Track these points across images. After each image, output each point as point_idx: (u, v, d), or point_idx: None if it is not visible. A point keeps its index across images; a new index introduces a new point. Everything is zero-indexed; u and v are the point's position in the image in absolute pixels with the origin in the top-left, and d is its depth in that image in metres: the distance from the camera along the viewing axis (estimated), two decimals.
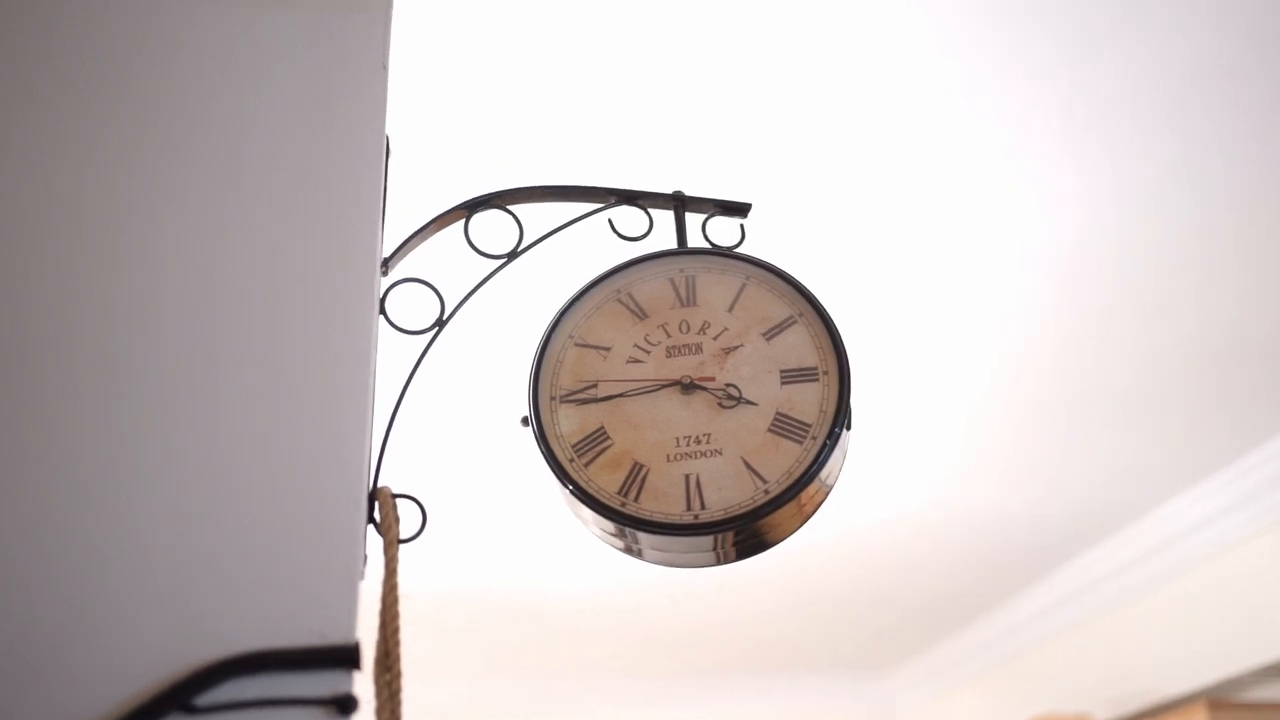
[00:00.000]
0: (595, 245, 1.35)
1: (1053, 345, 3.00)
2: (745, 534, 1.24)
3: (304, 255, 1.16)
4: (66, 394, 1.06)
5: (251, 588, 1.02)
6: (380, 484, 1.20)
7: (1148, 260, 2.68)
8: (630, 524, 1.22)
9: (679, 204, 1.40)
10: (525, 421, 1.29)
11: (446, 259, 1.33)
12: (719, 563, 1.29)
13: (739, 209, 1.42)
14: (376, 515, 1.19)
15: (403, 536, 1.19)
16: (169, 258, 1.13)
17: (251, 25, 1.25)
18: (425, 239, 1.32)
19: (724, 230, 1.41)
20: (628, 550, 1.31)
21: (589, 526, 1.30)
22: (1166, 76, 2.19)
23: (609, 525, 1.25)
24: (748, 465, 1.23)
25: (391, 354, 1.30)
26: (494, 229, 1.34)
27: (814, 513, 1.29)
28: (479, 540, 3.75)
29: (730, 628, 4.79)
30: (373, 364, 1.19)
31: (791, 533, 1.29)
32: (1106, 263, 2.69)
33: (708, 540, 1.24)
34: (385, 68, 1.26)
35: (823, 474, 1.23)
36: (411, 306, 1.29)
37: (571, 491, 1.24)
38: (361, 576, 1.16)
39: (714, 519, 1.21)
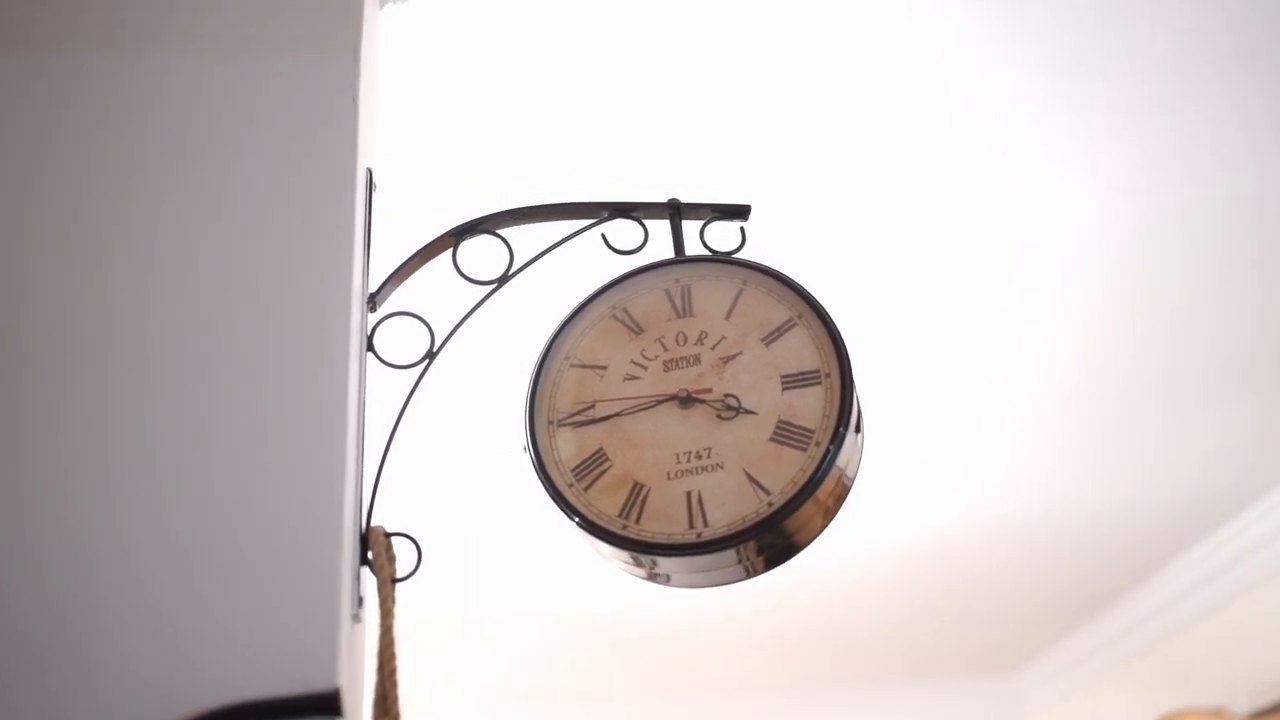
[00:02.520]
0: (591, 262, 1.32)
1: (1139, 331, 2.87)
2: (766, 542, 1.19)
3: (281, 296, 1.15)
4: (54, 443, 1.06)
5: (234, 634, 1.01)
6: (375, 523, 1.19)
7: (1233, 230, 2.55)
8: (631, 547, 1.18)
9: (674, 212, 1.36)
10: (525, 449, 1.26)
11: (439, 289, 1.31)
12: (748, 575, 1.25)
13: (738, 212, 1.37)
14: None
15: (399, 575, 1.18)
16: (151, 306, 1.13)
17: (224, 72, 1.25)
18: (413, 271, 1.30)
19: (726, 235, 1.37)
20: (651, 578, 1.27)
21: (604, 557, 1.27)
22: (1225, 33, 2.07)
23: (614, 550, 1.21)
24: (750, 477, 1.18)
25: (388, 389, 1.29)
26: (485, 255, 1.32)
27: (838, 508, 1.24)
28: (570, 565, 3.73)
29: (844, 635, 4.69)
30: (356, 401, 1.17)
31: (819, 532, 1.24)
32: (1188, 239, 2.56)
33: (725, 556, 1.19)
34: (355, 101, 1.24)
35: (832, 477, 1.17)
36: (404, 340, 1.28)
37: (577, 523, 1.20)
38: (357, 619, 1.14)
39: (717, 536, 1.16)
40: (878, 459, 3.36)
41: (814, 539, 1.24)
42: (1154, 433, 3.35)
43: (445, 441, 2.92)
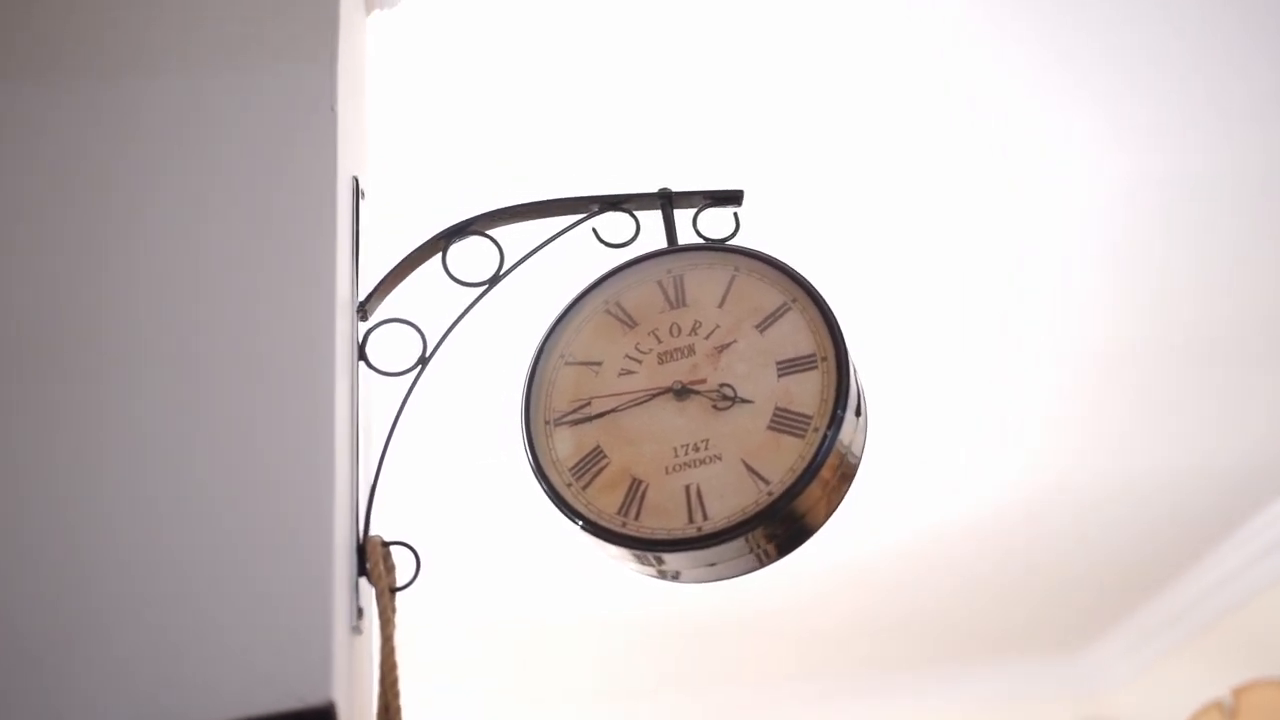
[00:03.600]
0: (583, 258, 1.30)
1: (1197, 289, 2.80)
2: (774, 530, 1.17)
3: (264, 308, 1.15)
4: (48, 468, 1.07)
5: (226, 650, 1.01)
6: (374, 532, 1.18)
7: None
8: (631, 545, 1.16)
9: (665, 201, 1.34)
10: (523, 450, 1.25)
11: (431, 294, 1.30)
12: (762, 564, 1.22)
13: (731, 198, 1.34)
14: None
15: (399, 584, 1.17)
16: (134, 324, 1.13)
17: (202, 90, 1.25)
18: (403, 277, 1.29)
19: (721, 224, 1.34)
20: (660, 575, 1.25)
21: (612, 559, 1.25)
22: None
23: (619, 550, 1.19)
24: (748, 467, 1.16)
25: (388, 398, 1.28)
26: (477, 256, 1.30)
27: (846, 487, 1.21)
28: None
29: (911, 618, 4.64)
30: (348, 410, 1.17)
31: (829, 514, 1.21)
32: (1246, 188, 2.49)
33: (732, 547, 1.17)
34: (334, 109, 1.24)
35: (830, 463, 1.15)
36: (398, 347, 1.27)
37: (581, 526, 1.19)
38: (358, 630, 1.14)
39: (717, 529, 1.14)
40: (935, 437, 3.33)
41: (825, 521, 1.22)
42: (1216, 397, 3.27)
43: (450, 447, 2.90)
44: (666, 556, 1.18)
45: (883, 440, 3.27)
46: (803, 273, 1.24)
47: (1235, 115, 2.32)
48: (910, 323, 2.79)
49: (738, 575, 1.24)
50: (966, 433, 3.32)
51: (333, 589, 1.04)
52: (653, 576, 1.25)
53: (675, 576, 1.24)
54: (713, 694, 5.03)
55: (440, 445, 2.89)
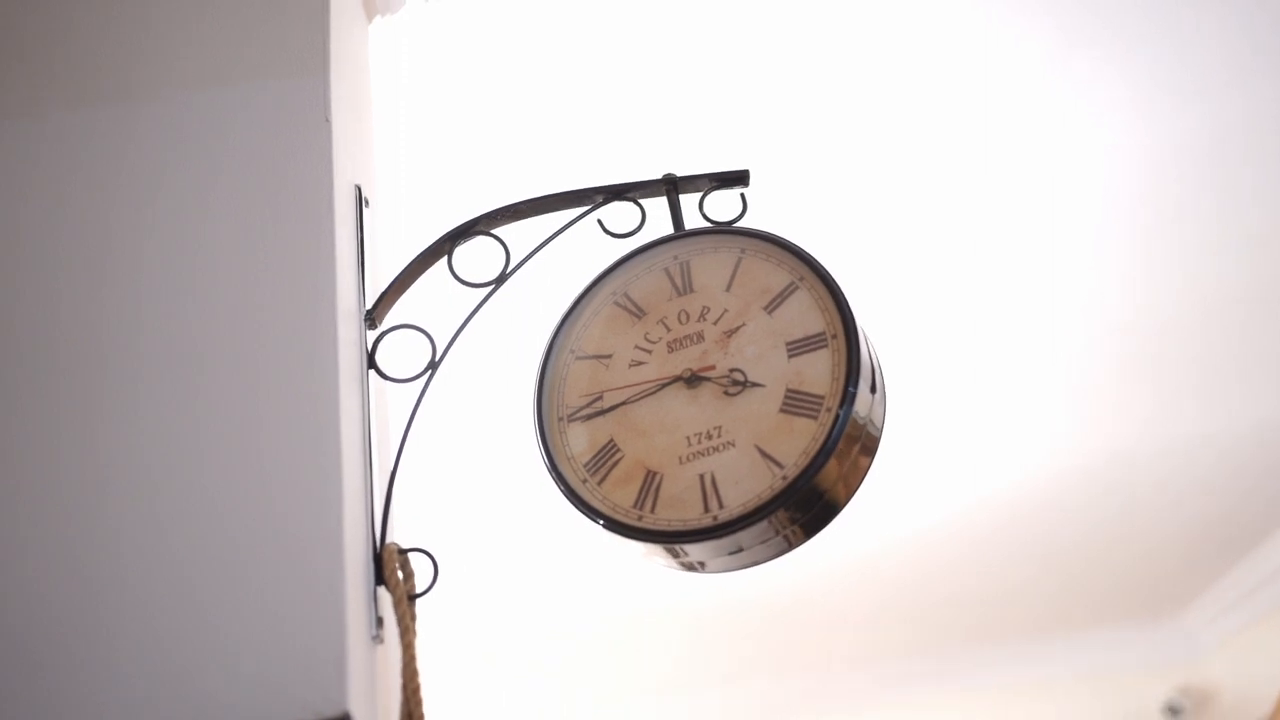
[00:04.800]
0: (591, 251, 1.29)
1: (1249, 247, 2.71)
2: (795, 512, 1.14)
3: (267, 321, 1.15)
4: (55, 485, 1.08)
5: (241, 663, 1.01)
6: (391, 539, 1.18)
7: None
8: (648, 538, 1.15)
9: (670, 187, 1.31)
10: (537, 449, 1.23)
11: (440, 298, 1.29)
12: (790, 546, 1.20)
13: (737, 178, 1.32)
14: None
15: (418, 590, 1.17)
16: (137, 343, 1.14)
17: (197, 109, 1.26)
18: (410, 282, 1.28)
19: (728, 207, 1.31)
20: (686, 568, 1.23)
21: (642, 556, 1.23)
22: None
23: (645, 547, 1.18)
24: (762, 452, 1.13)
25: (402, 403, 1.28)
26: (484, 257, 1.29)
27: (869, 462, 1.19)
28: None
29: (1000, 591, 4.55)
30: (358, 419, 1.16)
31: (853, 491, 1.18)
32: None
33: (755, 532, 1.15)
34: (328, 120, 1.24)
35: (845, 440, 1.12)
36: (410, 354, 1.26)
37: (603, 525, 1.17)
38: (379, 640, 1.13)
39: (733, 516, 1.12)
40: (1010, 404, 3.26)
41: (849, 498, 1.19)
42: None
43: (468, 449, 2.87)
44: (687, 548, 1.16)
45: (954, 410, 3.24)
46: (809, 250, 1.21)
47: (1254, 71, 2.24)
48: (973, 289, 2.74)
49: (766, 560, 1.22)
50: (1041, 400, 3.25)
51: (345, 599, 1.04)
52: (680, 570, 1.23)
53: (701, 567, 1.22)
54: (802, 680, 4.99)
55: (459, 448, 2.87)
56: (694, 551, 1.17)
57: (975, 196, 2.44)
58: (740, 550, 1.18)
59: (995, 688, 5.06)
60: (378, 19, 1.55)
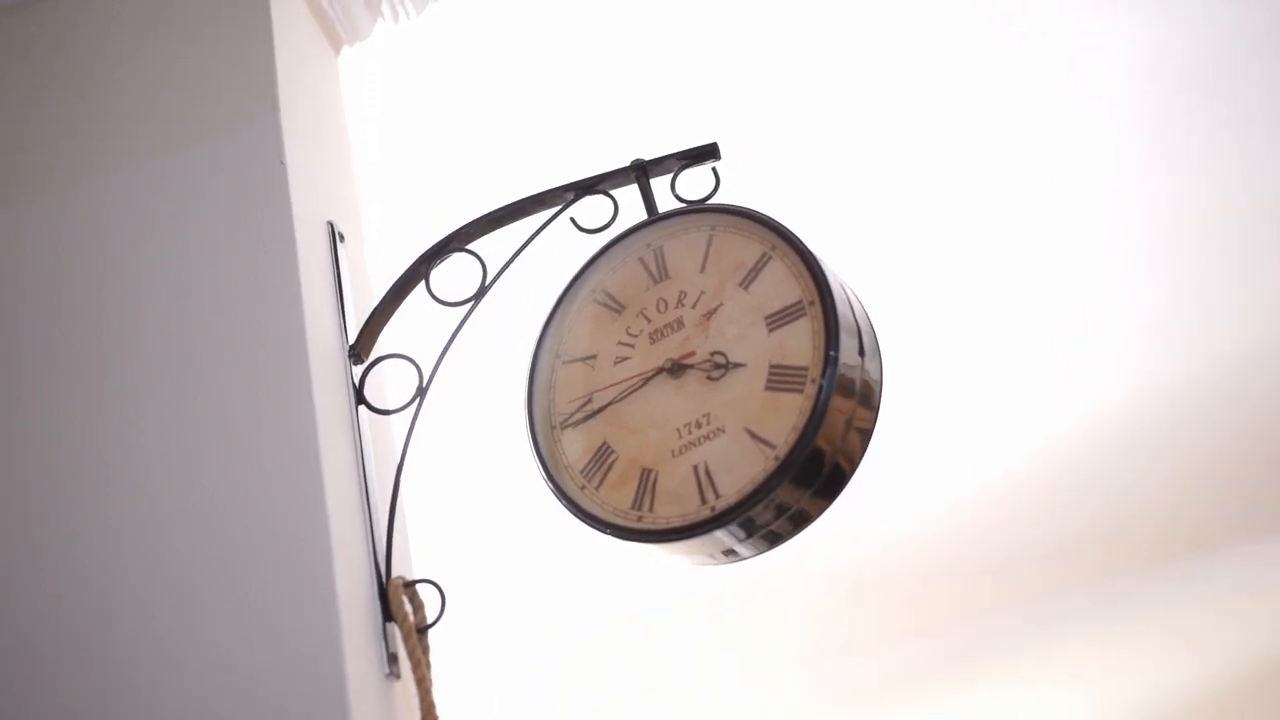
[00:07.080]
0: (571, 249, 1.25)
1: None
2: (802, 484, 1.09)
3: (244, 372, 1.17)
4: (64, 534, 1.11)
5: (251, 707, 1.03)
6: (396, 573, 1.17)
7: None
8: (650, 539, 1.11)
9: (640, 173, 1.27)
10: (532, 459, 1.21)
11: (424, 323, 1.28)
12: (814, 515, 1.15)
13: (706, 153, 1.27)
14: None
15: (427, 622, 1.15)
16: (118, 403, 1.17)
17: (158, 175, 1.27)
18: (392, 311, 1.27)
19: (703, 183, 1.27)
20: (725, 558, 1.19)
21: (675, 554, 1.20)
22: None
23: (692, 543, 1.14)
24: (752, 434, 1.09)
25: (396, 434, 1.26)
26: (462, 274, 1.27)
27: (874, 417, 1.14)
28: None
29: (1130, 522, 4.38)
30: (336, 458, 1.15)
31: (862, 451, 1.13)
32: None
33: (765, 513, 1.10)
34: (283, 163, 1.23)
35: (834, 410, 1.07)
36: (399, 383, 1.25)
37: (611, 533, 1.14)
38: (394, 676, 1.12)
39: (730, 504, 1.08)
40: (1115, 329, 3.09)
41: (860, 457, 1.14)
42: None
43: (468, 474, 2.80)
44: (715, 536, 1.12)
45: (1068, 342, 3.07)
46: (777, 218, 1.16)
47: None
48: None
49: (797, 533, 1.17)
50: (1148, 321, 3.09)
51: (341, 640, 1.04)
52: (710, 564, 1.19)
53: (733, 554, 1.18)
54: (919, 643, 4.88)
55: (461, 473, 2.81)
56: (720, 540, 1.13)
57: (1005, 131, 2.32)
58: (756, 534, 1.14)
59: (1146, 615, 4.89)
60: (345, 50, 1.53)
